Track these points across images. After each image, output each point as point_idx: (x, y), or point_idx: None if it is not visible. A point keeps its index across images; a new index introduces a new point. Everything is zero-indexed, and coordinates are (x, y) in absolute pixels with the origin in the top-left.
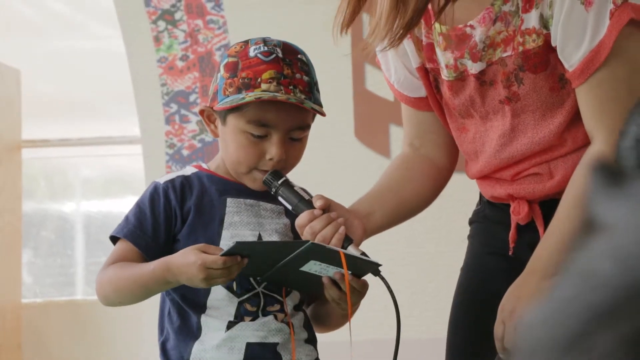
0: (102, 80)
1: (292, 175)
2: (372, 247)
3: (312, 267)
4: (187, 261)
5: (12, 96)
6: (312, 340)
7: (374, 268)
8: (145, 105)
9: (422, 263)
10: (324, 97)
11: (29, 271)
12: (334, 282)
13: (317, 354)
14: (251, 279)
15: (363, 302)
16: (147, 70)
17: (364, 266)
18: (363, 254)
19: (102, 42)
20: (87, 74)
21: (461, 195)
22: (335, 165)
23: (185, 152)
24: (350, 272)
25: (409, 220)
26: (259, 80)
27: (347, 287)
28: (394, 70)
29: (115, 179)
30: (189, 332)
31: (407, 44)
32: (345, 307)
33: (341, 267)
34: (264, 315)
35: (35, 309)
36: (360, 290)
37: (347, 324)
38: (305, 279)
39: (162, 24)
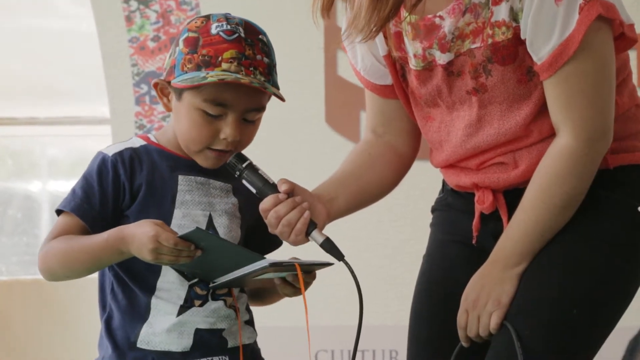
0: (72, 60)
1: (264, 160)
2: (339, 233)
3: (266, 275)
4: (141, 229)
5: None
6: (251, 322)
7: (327, 265)
8: (115, 85)
9: (388, 250)
10: (295, 83)
11: None
12: (286, 281)
13: (256, 334)
14: None
15: (327, 288)
16: (118, 50)
17: (317, 266)
18: (327, 239)
19: (72, 20)
20: (57, 53)
21: (428, 183)
22: (306, 151)
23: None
24: (303, 272)
25: (375, 208)
26: (219, 59)
27: (304, 298)
28: (361, 57)
29: (83, 159)
30: (136, 313)
31: None
32: (294, 296)
33: (294, 271)
34: (214, 298)
35: (0, 287)
36: (310, 282)
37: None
38: (255, 282)
39: (134, 4)
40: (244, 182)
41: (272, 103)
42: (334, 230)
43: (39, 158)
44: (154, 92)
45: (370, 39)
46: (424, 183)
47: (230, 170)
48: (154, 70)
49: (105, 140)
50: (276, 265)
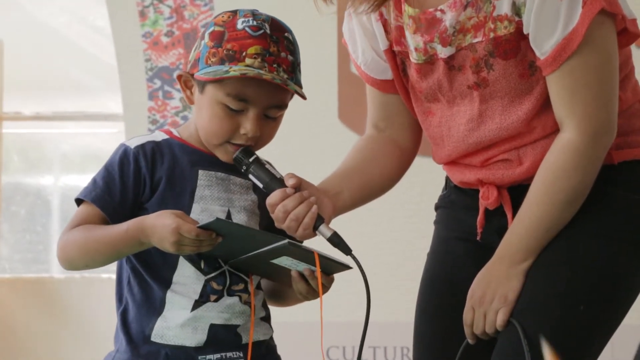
0: (83, 55)
1: (277, 156)
2: (352, 229)
3: (283, 261)
4: (162, 222)
5: None
6: (268, 318)
7: (346, 269)
8: (128, 80)
9: (401, 246)
10: (308, 79)
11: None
12: (302, 276)
13: (272, 331)
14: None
15: (340, 284)
16: (131, 45)
17: (335, 266)
18: (335, 233)
19: (86, 15)
20: (67, 47)
21: (442, 180)
22: (319, 147)
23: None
24: (320, 269)
25: (389, 204)
26: (244, 54)
27: (319, 289)
28: (362, 52)
29: (94, 155)
30: (151, 306)
31: (376, 26)
32: (309, 298)
33: (312, 264)
34: (229, 294)
35: (4, 285)
36: (328, 286)
37: (302, 303)
38: (272, 269)
39: None
40: (251, 176)
41: None
42: (347, 226)
43: (50, 154)
44: (167, 87)
45: (373, 11)
46: (437, 180)
47: (237, 165)
48: (167, 66)
49: (116, 137)
50: (295, 247)
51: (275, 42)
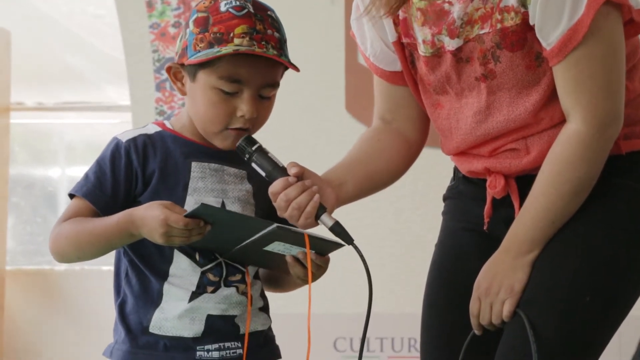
0: (89, 46)
1: (284, 147)
2: (360, 221)
3: (276, 247)
4: (150, 213)
5: (2, 58)
6: (266, 308)
7: (339, 247)
8: (136, 71)
9: (408, 239)
10: (316, 70)
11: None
12: (297, 260)
13: (271, 321)
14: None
15: (347, 276)
16: (138, 36)
17: (328, 246)
18: (337, 222)
19: (87, 6)
20: (77, 38)
21: (449, 172)
22: (326, 138)
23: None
24: (314, 251)
25: (396, 196)
26: (231, 34)
27: (309, 272)
28: (370, 43)
29: (99, 146)
30: (149, 298)
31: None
32: (304, 279)
33: (304, 246)
34: (226, 285)
35: (6, 276)
36: (324, 266)
37: (300, 287)
38: (267, 257)
39: None
40: (253, 165)
41: (293, 90)
42: (354, 217)
43: (51, 146)
44: None
45: (393, 13)
46: (445, 171)
47: (240, 154)
48: (174, 57)
49: (120, 127)
50: (284, 230)
51: (261, 20)
